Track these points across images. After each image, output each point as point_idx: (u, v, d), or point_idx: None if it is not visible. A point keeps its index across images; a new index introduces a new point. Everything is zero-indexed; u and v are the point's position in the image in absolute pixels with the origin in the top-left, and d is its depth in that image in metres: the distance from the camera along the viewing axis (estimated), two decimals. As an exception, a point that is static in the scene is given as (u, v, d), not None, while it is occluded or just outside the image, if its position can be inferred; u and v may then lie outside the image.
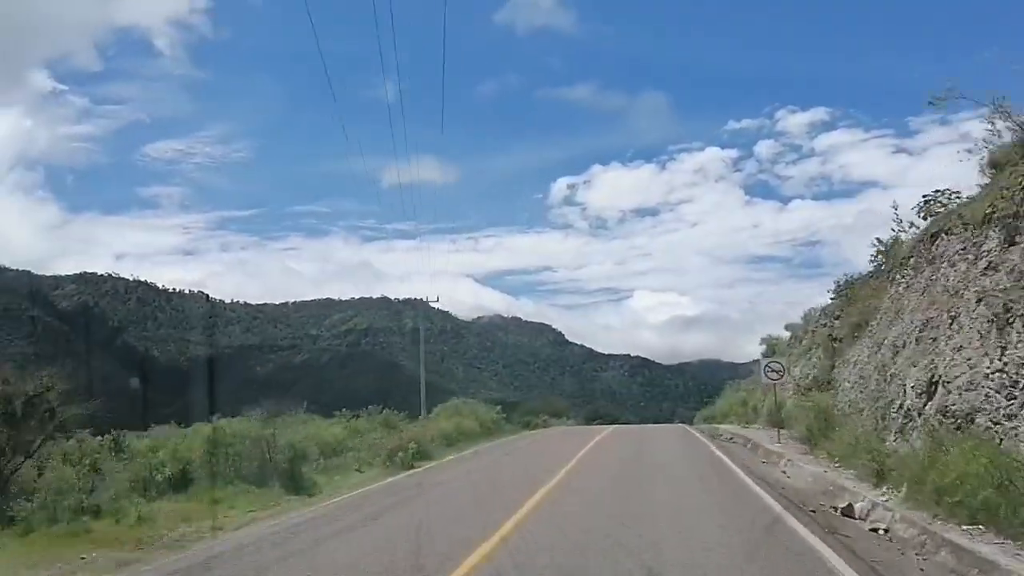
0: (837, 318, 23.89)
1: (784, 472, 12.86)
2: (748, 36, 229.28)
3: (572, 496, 9.96)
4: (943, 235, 15.73)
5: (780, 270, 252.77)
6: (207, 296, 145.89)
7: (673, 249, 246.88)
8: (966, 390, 9.02)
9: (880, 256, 22.63)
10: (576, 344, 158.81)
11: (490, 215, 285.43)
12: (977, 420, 8.59)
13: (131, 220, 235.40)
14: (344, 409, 23.15)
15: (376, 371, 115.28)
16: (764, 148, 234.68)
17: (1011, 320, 8.45)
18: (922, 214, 18.83)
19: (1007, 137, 12.03)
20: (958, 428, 8.84)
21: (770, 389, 24.43)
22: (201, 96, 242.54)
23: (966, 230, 13.71)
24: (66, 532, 8.46)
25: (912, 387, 10.75)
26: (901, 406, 11.11)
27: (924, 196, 18.50)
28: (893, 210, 19.41)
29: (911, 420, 10.51)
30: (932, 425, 9.39)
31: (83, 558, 7.56)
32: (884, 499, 8.68)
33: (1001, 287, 9.17)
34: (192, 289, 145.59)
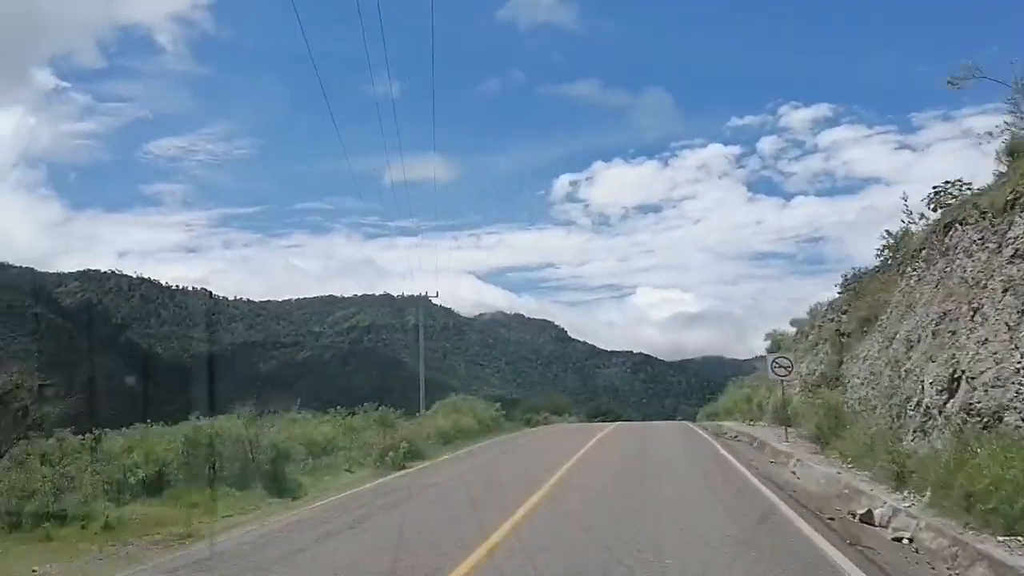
0: (844, 313, 23.36)
1: (794, 473, 12.20)
2: (751, 32, 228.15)
3: (567, 505, 9.20)
4: (957, 225, 15.22)
5: (783, 267, 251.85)
6: (210, 293, 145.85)
7: (676, 246, 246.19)
8: (993, 386, 8.38)
9: (887, 250, 22.45)
10: (578, 341, 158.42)
11: (492, 212, 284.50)
12: (1006, 419, 7.96)
13: (134, 217, 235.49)
14: (339, 407, 22.59)
15: (379, 368, 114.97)
16: (767, 144, 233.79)
17: (1043, 311, 7.85)
18: (932, 206, 18.50)
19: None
20: (985, 427, 8.20)
21: (777, 386, 23.85)
22: (204, 93, 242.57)
23: (984, 219, 13.14)
24: (25, 539, 7.90)
25: (931, 383, 10.10)
26: (919, 403, 10.47)
27: (934, 187, 18.18)
28: (903, 201, 18.99)
29: (931, 418, 9.86)
30: (955, 424, 8.75)
31: (34, 571, 7.01)
32: (906, 505, 8.02)
33: (1031, 275, 8.54)
34: (195, 286, 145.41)
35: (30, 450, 11.17)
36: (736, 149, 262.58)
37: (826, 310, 26.22)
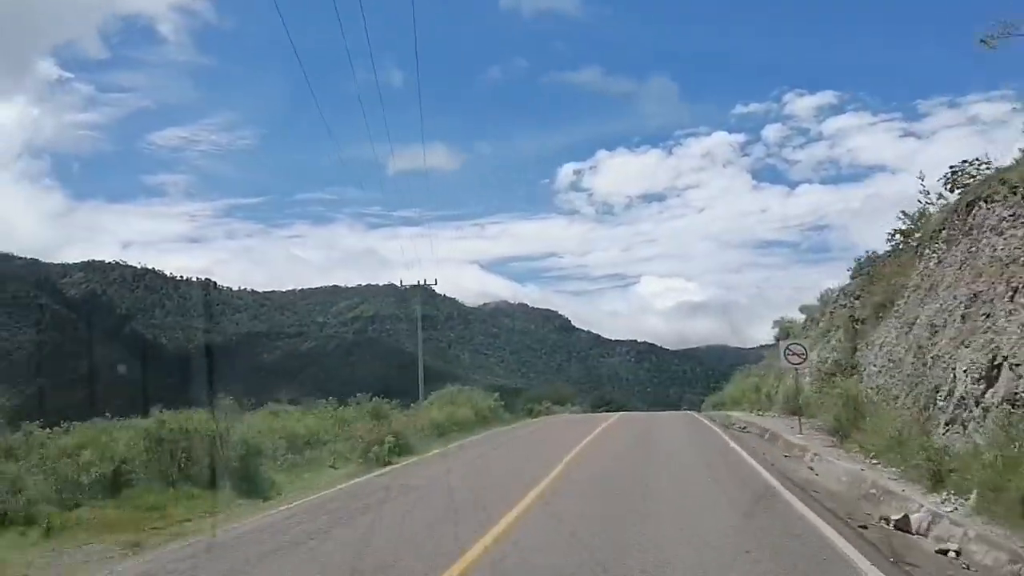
0: (858, 298, 22.50)
1: (811, 468, 11.16)
2: (755, 19, 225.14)
3: (561, 513, 8.11)
4: (981, 203, 14.32)
5: (788, 255, 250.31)
6: (214, 284, 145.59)
7: (680, 235, 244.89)
8: (1042, 374, 7.44)
9: (899, 235, 21.68)
10: (582, 330, 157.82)
11: (496, 201, 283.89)
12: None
13: (137, 208, 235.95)
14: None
15: (382, 358, 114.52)
16: (772, 132, 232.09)
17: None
18: (948, 186, 17.72)
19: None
20: (1035, 420, 7.25)
21: (788, 374, 22.92)
22: (206, 83, 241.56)
23: (1015, 194, 12.18)
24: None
25: (965, 371, 9.13)
26: (950, 393, 9.50)
27: (951, 167, 17.44)
28: (919, 181, 18.20)
29: (966, 409, 8.90)
30: (998, 416, 7.78)
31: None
32: (948, 509, 7.01)
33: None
34: (199, 277, 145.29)
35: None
36: (741, 137, 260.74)
37: (838, 296, 25.34)
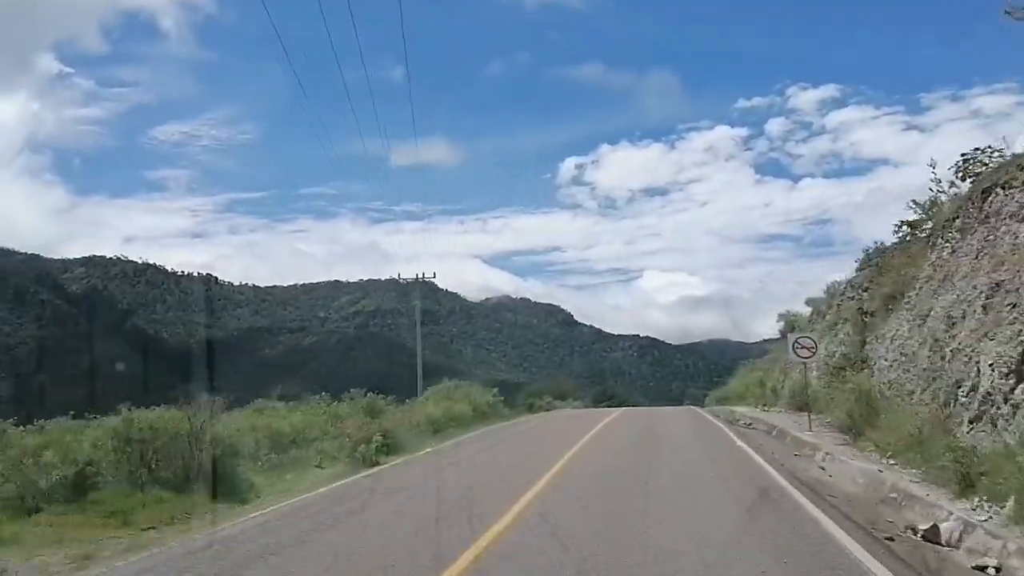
0: (866, 290, 21.98)
1: (823, 468, 10.45)
2: (758, 13, 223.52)
3: (553, 523, 7.35)
4: (998, 190, 13.74)
5: (790, 249, 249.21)
6: (216, 279, 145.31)
7: (682, 229, 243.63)
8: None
9: (906, 226, 21.16)
10: (585, 325, 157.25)
11: (498, 196, 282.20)
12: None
13: (139, 203, 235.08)
14: (324, 393, 21.30)
15: (384, 353, 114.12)
16: (774, 126, 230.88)
17: None
18: (960, 174, 17.27)
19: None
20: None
21: (794, 369, 22.34)
22: (207, 78, 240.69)
23: (1039, 178, 11.55)
24: None
25: (991, 365, 8.50)
26: (974, 388, 8.87)
27: (962, 155, 16.44)
28: (931, 169, 17.71)
29: (993, 406, 8.26)
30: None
31: None
32: (982, 518, 6.32)
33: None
34: (201, 272, 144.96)
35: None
36: (743, 131, 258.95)
37: (845, 288, 24.77)
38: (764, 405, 26.48)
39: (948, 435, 8.67)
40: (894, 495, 7.63)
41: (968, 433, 8.59)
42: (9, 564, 6.66)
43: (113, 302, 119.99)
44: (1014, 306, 8.99)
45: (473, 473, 11.70)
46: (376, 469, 12.22)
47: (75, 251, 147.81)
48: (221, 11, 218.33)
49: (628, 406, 45.81)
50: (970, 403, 8.92)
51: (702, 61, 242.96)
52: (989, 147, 16.69)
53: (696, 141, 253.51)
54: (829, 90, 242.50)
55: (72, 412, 11.52)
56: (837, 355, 20.08)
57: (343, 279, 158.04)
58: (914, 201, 19.47)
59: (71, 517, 8.23)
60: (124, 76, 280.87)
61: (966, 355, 9.62)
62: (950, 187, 17.52)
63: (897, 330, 15.93)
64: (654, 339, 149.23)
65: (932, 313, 13.66)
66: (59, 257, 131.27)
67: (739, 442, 14.46)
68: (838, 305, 24.68)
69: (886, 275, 19.64)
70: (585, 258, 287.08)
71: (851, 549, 5.93)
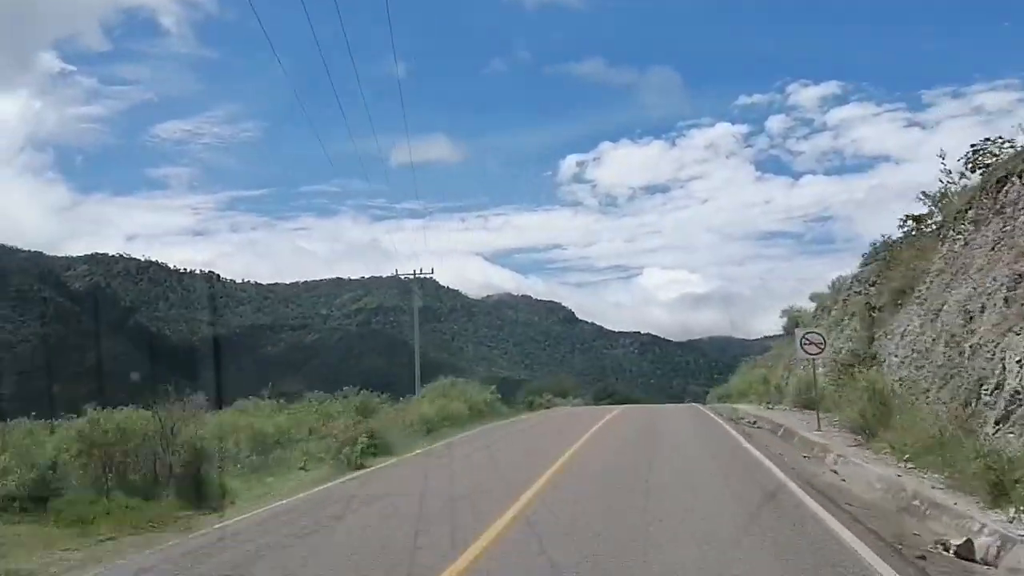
0: (873, 284, 21.48)
1: (836, 472, 9.82)
2: (758, 9, 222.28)
3: (545, 537, 6.68)
4: (1015, 179, 13.21)
5: (791, 246, 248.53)
6: (218, 276, 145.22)
7: (683, 226, 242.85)
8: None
9: (911, 220, 20.00)
10: (586, 322, 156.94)
11: (499, 193, 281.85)
12: None
13: (141, 201, 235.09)
14: (317, 391, 20.78)
15: (385, 350, 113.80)
16: (775, 123, 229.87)
17: None
18: (970, 165, 16.88)
19: None
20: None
21: (798, 365, 21.79)
22: (208, 76, 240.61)
23: (1057, 166, 10.98)
24: None
25: (1019, 361, 7.91)
26: (999, 386, 8.29)
27: (972, 146, 15.96)
28: (940, 160, 17.34)
29: (1022, 406, 7.68)
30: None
31: None
32: (1021, 532, 5.65)
33: None
34: (203, 269, 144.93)
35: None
36: (744, 128, 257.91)
37: (851, 283, 24.26)
38: (768, 403, 25.95)
39: (972, 437, 8.06)
40: (917, 503, 6.96)
41: (995, 435, 7.99)
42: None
43: (116, 300, 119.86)
44: (1039, 298, 8.41)
45: (462, 477, 11.05)
46: (361, 472, 11.59)
47: (77, 249, 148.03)
48: (222, 9, 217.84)
49: (630, 403, 45.25)
50: (995, 402, 8.33)
51: (703, 58, 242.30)
52: (999, 137, 16.25)
53: (697, 138, 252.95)
54: (830, 87, 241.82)
55: (34, 412, 10.94)
56: (844, 351, 19.54)
57: (345, 276, 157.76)
58: (924, 193, 19.03)
59: (24, 527, 7.67)
60: (125, 74, 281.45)
61: (989, 351, 9.05)
62: (960, 178, 17.07)
63: (908, 325, 15.38)
64: (655, 336, 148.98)
65: (945, 307, 13.11)
66: (61, 255, 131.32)
67: (745, 443, 13.82)
68: (844, 300, 24.13)
69: (895, 269, 19.15)
70: (586, 255, 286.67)
71: (881, 572, 5.22)
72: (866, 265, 24.20)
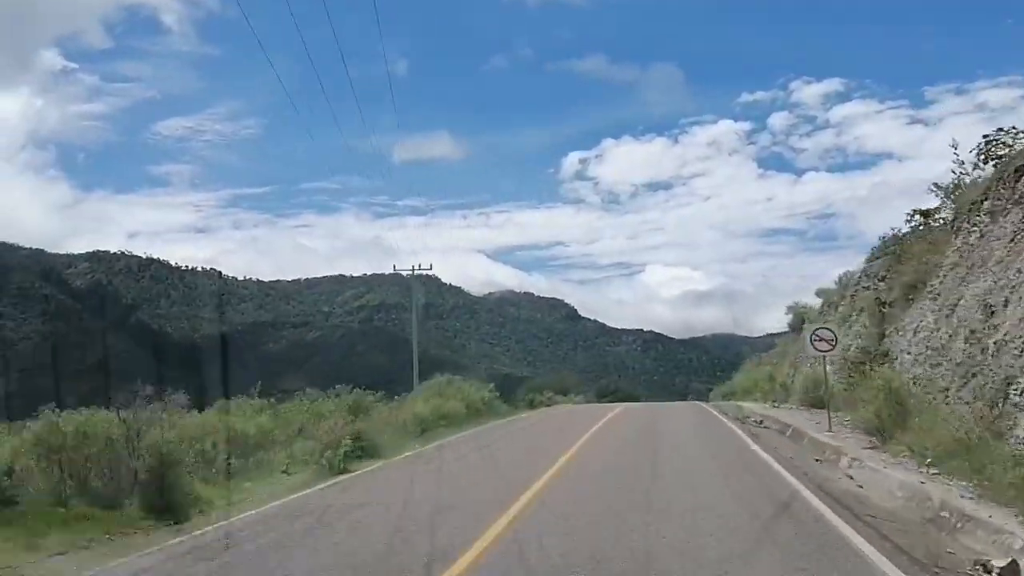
0: (883, 279, 20.83)
1: (851, 477, 9.13)
2: (761, 6, 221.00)
3: (537, 550, 6.12)
4: None
5: (794, 243, 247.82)
6: (219, 273, 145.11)
7: (686, 223, 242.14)
8: None
9: (918, 215, 19.58)
10: (588, 319, 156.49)
11: (501, 190, 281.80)
12: None
13: (143, 198, 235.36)
14: (309, 389, 20.17)
15: (388, 347, 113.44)
16: (778, 120, 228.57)
17: None
18: (982, 156, 16.30)
19: None
20: None
21: (809, 362, 21.16)
22: (210, 73, 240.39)
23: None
24: None
25: (1051, 359, 7.27)
26: (1030, 386, 7.66)
27: (984, 136, 15.39)
28: (952, 150, 16.78)
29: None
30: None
31: None
32: None
33: None
34: (204, 267, 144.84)
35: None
36: (747, 125, 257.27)
37: (860, 278, 23.60)
38: (774, 401, 25.31)
39: (1001, 440, 7.40)
40: (945, 514, 6.26)
41: (1024, 438, 7.35)
42: None
43: (118, 297, 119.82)
44: (1071, 291, 7.76)
45: (452, 483, 10.36)
46: (343, 478, 10.89)
47: (79, 246, 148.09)
48: (223, 6, 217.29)
49: (633, 400, 44.62)
50: (1024, 403, 7.70)
51: (705, 55, 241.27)
52: (1013, 127, 15.60)
53: (699, 135, 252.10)
54: (833, 84, 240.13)
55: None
56: (853, 348, 18.91)
57: (347, 273, 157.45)
58: (936, 185, 18.47)
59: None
60: (127, 71, 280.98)
61: (1016, 347, 8.39)
62: (973, 169, 16.48)
63: (921, 321, 14.76)
64: (657, 333, 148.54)
65: (962, 302, 12.50)
66: (63, 252, 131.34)
67: (754, 446, 13.07)
68: (852, 296, 23.48)
69: (906, 263, 18.52)
70: (588, 253, 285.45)
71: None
72: (875, 259, 23.57)
